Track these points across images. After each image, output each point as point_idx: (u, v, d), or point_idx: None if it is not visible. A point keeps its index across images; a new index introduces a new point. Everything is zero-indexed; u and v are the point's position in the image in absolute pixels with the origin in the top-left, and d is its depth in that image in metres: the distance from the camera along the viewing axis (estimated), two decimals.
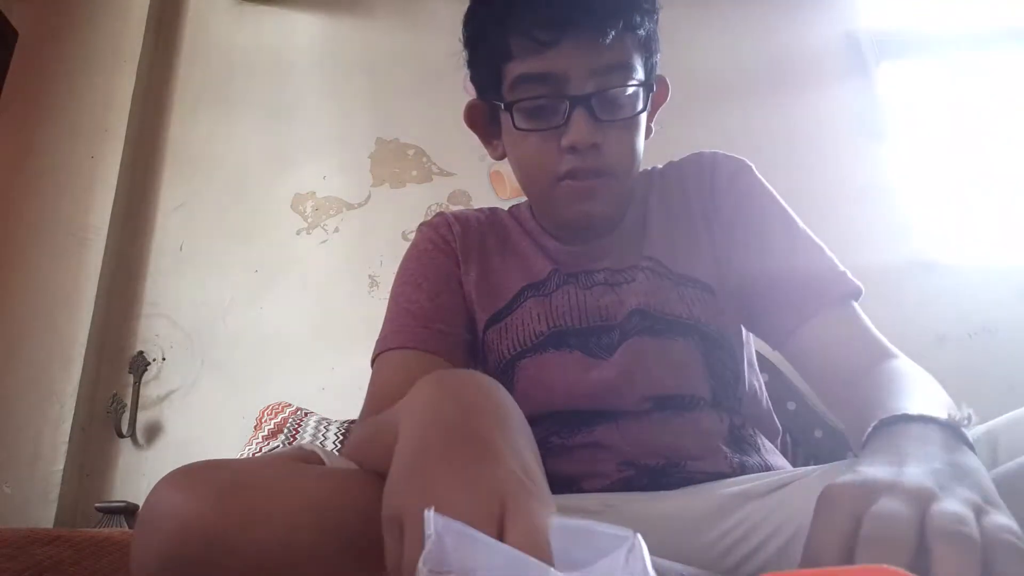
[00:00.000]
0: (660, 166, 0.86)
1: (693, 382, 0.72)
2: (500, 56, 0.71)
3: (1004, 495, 0.38)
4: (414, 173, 2.05)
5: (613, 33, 0.67)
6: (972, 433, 0.52)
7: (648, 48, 0.74)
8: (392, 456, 0.39)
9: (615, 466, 0.67)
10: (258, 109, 2.18)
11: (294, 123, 2.15)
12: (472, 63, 0.77)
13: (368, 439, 0.52)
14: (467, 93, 0.80)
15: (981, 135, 1.85)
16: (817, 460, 1.41)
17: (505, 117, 0.74)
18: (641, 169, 0.80)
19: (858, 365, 0.64)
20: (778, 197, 0.79)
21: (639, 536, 0.28)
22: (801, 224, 0.76)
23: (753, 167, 0.81)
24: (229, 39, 2.27)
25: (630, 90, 0.71)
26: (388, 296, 0.80)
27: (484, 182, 2.00)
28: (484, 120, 0.80)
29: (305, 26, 2.26)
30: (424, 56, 2.14)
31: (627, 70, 0.70)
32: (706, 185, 0.80)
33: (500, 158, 0.81)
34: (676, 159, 0.86)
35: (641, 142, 0.75)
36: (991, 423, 0.53)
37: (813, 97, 1.93)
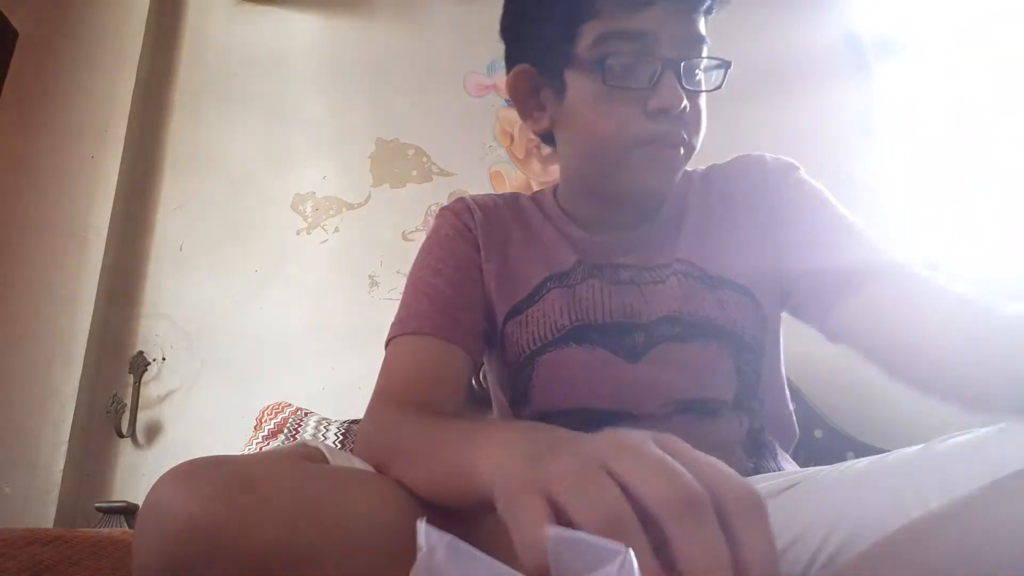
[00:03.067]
0: (702, 168, 0.84)
1: (718, 385, 0.70)
2: (581, 13, 0.68)
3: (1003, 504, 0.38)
4: (414, 173, 2.05)
5: (707, 3, 0.67)
6: (961, 440, 0.51)
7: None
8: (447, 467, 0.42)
9: None
10: (258, 109, 2.18)
11: (294, 123, 2.15)
12: (539, 19, 0.73)
13: (422, 457, 0.51)
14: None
15: (981, 135, 1.85)
16: (817, 460, 1.41)
17: (574, 77, 0.70)
18: None
19: (956, 316, 0.58)
20: (830, 196, 0.75)
21: (631, 551, 0.28)
22: (856, 220, 0.72)
23: (801, 168, 0.78)
24: (229, 39, 2.27)
25: (713, 64, 0.70)
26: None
27: (484, 182, 1.99)
28: (529, 89, 0.77)
29: (305, 26, 2.26)
30: (424, 56, 2.14)
31: (706, 45, 0.69)
32: (755, 185, 0.78)
33: (541, 131, 0.78)
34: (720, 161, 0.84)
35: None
36: (986, 432, 0.52)
37: (813, 97, 1.93)
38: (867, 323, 0.64)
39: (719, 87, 0.71)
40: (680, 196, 0.80)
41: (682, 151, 0.69)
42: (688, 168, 0.83)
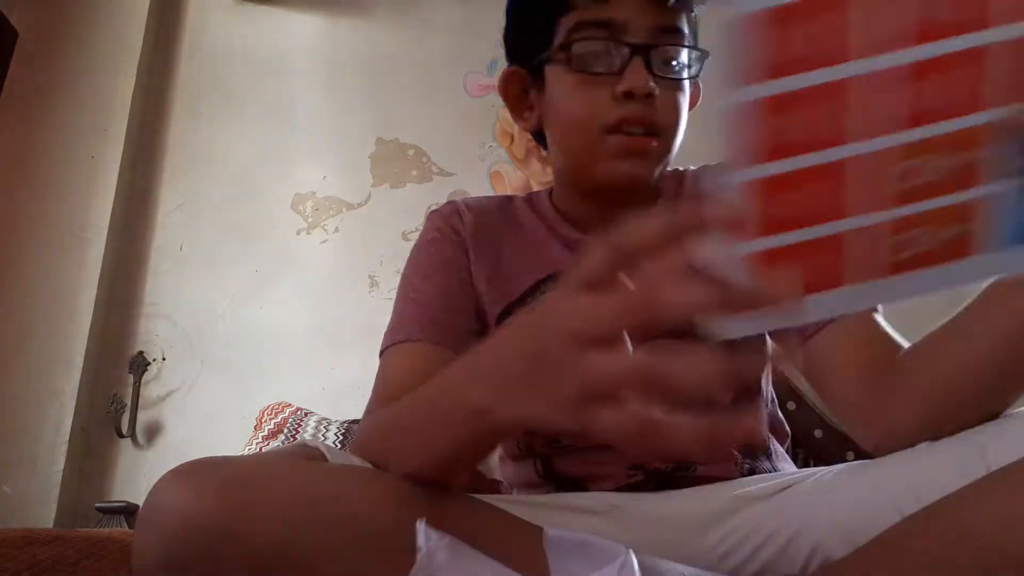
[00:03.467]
0: (693, 168, 0.84)
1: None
2: (556, 8, 0.70)
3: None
4: (414, 173, 2.05)
5: None
6: (954, 438, 0.53)
7: (694, 35, 0.73)
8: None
9: (623, 469, 0.67)
10: (258, 109, 2.18)
11: (294, 123, 2.15)
12: (521, 19, 0.76)
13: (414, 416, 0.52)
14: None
15: None
16: (817, 460, 1.41)
17: (551, 70, 0.72)
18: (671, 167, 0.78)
19: (887, 359, 0.62)
20: None
21: (631, 553, 0.29)
22: None
23: None
24: (229, 39, 2.27)
25: (686, 53, 0.70)
26: (389, 296, 0.80)
27: (484, 182, 1.99)
28: (519, 89, 0.78)
29: (305, 26, 2.27)
30: (424, 56, 2.14)
31: (682, 38, 0.70)
32: None
33: (531, 130, 0.80)
34: (711, 163, 0.83)
35: (687, 113, 0.73)
36: (978, 429, 0.52)
37: None
38: (818, 365, 0.68)
39: (696, 76, 0.72)
40: (675, 197, 0.80)
41: (655, 142, 0.69)
42: (680, 168, 0.83)
